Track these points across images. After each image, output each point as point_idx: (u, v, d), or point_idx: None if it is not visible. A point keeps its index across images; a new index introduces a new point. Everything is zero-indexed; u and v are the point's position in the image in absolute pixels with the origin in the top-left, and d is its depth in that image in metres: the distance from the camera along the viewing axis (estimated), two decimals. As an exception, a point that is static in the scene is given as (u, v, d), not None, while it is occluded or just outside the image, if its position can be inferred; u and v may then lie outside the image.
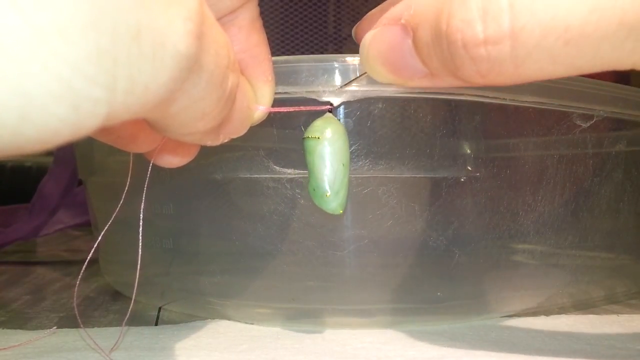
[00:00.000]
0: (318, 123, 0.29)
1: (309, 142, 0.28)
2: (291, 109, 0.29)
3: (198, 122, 0.21)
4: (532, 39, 0.20)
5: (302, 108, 0.30)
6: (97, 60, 0.15)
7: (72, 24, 0.15)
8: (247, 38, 0.26)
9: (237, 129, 0.25)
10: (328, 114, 0.29)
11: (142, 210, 0.29)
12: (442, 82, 0.24)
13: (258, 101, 0.27)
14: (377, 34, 0.24)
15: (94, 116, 0.16)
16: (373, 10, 0.34)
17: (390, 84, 0.26)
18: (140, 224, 0.29)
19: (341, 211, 0.29)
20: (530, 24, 0.20)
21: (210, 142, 0.25)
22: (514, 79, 0.22)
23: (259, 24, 0.27)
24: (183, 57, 0.18)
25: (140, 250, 0.29)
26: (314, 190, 0.29)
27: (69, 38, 0.15)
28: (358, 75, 0.30)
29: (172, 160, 0.27)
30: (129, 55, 0.16)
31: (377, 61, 0.24)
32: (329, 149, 0.28)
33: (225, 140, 0.25)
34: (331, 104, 0.30)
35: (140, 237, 0.29)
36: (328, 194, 0.28)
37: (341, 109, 0.32)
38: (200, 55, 0.19)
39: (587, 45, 0.20)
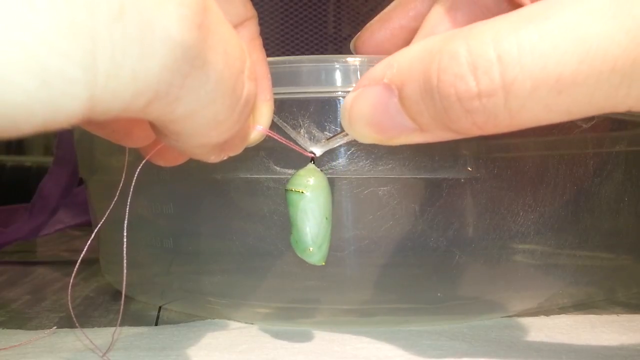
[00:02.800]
0: (301, 174, 0.28)
1: (292, 196, 0.28)
2: (284, 141, 0.29)
3: (211, 130, 0.20)
4: (524, 90, 0.20)
5: (293, 145, 0.29)
6: (71, 35, 0.14)
7: None
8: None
9: (237, 146, 0.25)
10: (311, 165, 0.29)
11: (127, 210, 0.29)
12: (433, 137, 0.23)
13: (257, 120, 0.26)
14: (358, 96, 0.24)
15: (73, 98, 0.15)
16: (372, 22, 0.34)
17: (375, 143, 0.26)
18: (125, 224, 0.29)
19: (323, 263, 0.29)
20: (521, 77, 0.20)
21: (214, 159, 0.24)
22: (511, 128, 0.22)
23: (258, 42, 0.27)
24: (176, 44, 0.17)
25: (125, 249, 0.29)
26: (296, 242, 0.28)
27: (35, 6, 0.14)
28: (339, 132, 0.30)
29: (168, 159, 0.27)
30: (111, 34, 0.15)
31: (361, 123, 0.24)
32: (312, 204, 0.28)
33: (224, 158, 0.24)
34: (314, 154, 0.29)
35: (125, 237, 0.29)
36: (311, 249, 0.28)
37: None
38: (204, 49, 0.18)
39: (580, 94, 0.20)
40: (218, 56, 0.19)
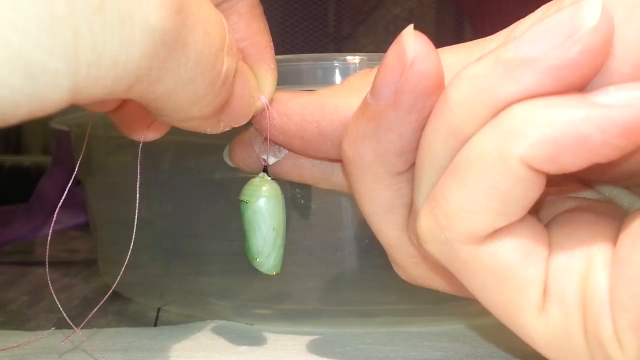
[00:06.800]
0: (250, 183, 0.28)
1: (240, 205, 0.28)
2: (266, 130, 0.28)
3: (192, 106, 0.21)
4: None
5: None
6: (53, 29, 0.15)
7: None
8: (248, 26, 0.26)
9: (238, 118, 0.25)
10: (262, 174, 0.28)
11: (137, 199, 0.29)
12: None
13: (260, 89, 0.26)
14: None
15: (56, 88, 0.15)
16: None
17: None
18: (135, 219, 0.28)
19: (274, 272, 0.28)
20: None
21: (211, 130, 0.24)
22: None
23: (259, 11, 0.26)
24: (156, 31, 0.17)
25: (131, 245, 0.29)
26: (247, 250, 0.28)
27: (16, 4, 0.14)
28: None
29: (146, 135, 0.27)
30: (91, 25, 0.15)
31: None
32: (256, 215, 0.27)
33: (227, 129, 0.25)
34: (266, 162, 0.28)
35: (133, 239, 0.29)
36: (257, 260, 0.28)
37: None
38: (183, 32, 0.18)
39: None
40: (197, 36, 0.19)
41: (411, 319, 0.36)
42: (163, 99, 0.20)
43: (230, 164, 0.29)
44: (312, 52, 0.33)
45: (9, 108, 0.15)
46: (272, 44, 0.27)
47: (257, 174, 0.28)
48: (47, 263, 0.31)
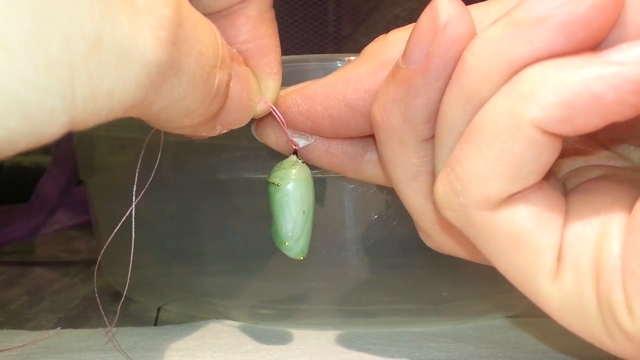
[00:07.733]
0: (280, 166, 0.28)
1: (270, 188, 0.28)
2: (279, 123, 0.27)
3: (183, 118, 0.21)
4: None
5: (282, 131, 0.28)
6: (48, 71, 0.15)
7: (15, 37, 0.14)
8: (254, 29, 0.26)
9: (236, 120, 0.25)
10: (292, 157, 0.28)
11: (134, 202, 0.29)
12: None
13: (262, 93, 0.26)
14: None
15: (53, 125, 0.16)
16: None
17: None
18: (133, 222, 0.28)
19: (302, 257, 0.28)
20: None
21: (206, 133, 0.24)
22: None
23: (269, 15, 0.26)
24: (152, 64, 0.17)
25: (132, 247, 0.28)
26: (274, 234, 0.28)
27: (12, 51, 0.14)
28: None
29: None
30: (87, 63, 0.16)
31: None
32: (287, 198, 0.27)
33: (225, 131, 0.25)
34: (297, 145, 0.28)
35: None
36: (286, 243, 0.28)
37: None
38: (178, 58, 0.19)
39: None
40: (191, 59, 0.19)
41: (415, 319, 0.36)
42: (155, 115, 0.20)
43: (260, 140, 0.29)
44: (312, 53, 0.33)
45: (6, 146, 0.15)
46: (279, 49, 0.27)
47: (286, 155, 0.28)
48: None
